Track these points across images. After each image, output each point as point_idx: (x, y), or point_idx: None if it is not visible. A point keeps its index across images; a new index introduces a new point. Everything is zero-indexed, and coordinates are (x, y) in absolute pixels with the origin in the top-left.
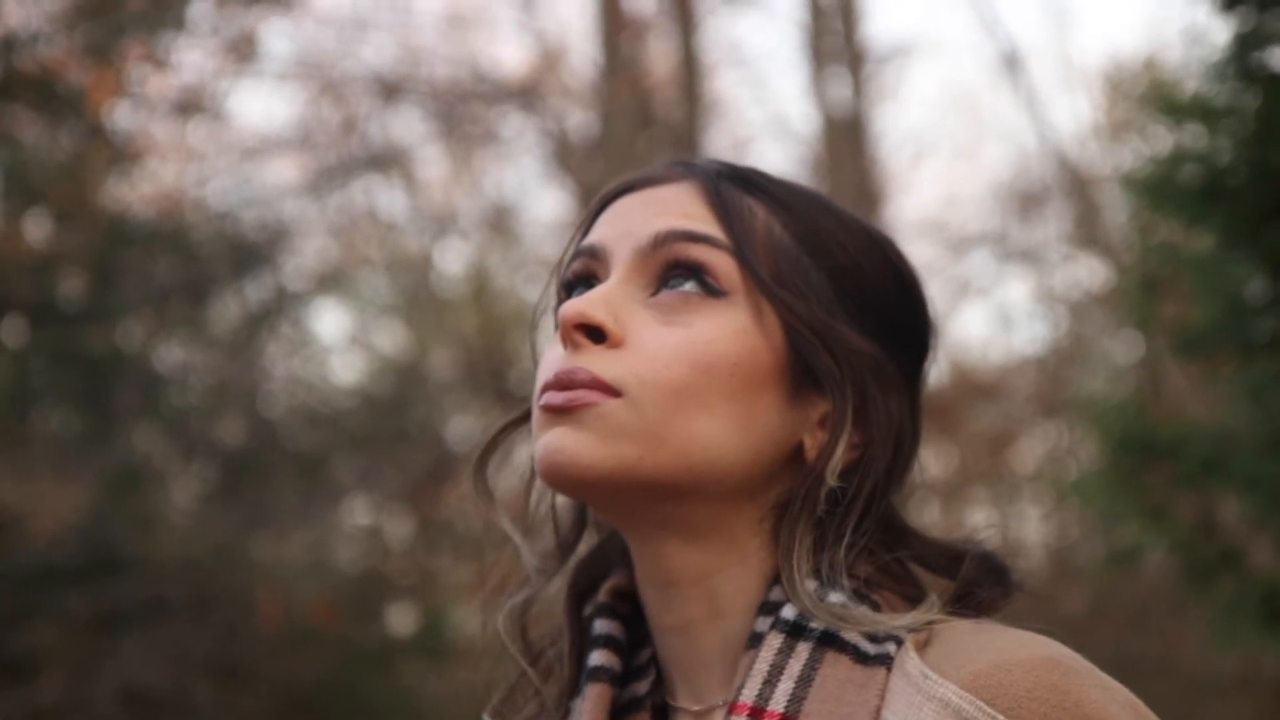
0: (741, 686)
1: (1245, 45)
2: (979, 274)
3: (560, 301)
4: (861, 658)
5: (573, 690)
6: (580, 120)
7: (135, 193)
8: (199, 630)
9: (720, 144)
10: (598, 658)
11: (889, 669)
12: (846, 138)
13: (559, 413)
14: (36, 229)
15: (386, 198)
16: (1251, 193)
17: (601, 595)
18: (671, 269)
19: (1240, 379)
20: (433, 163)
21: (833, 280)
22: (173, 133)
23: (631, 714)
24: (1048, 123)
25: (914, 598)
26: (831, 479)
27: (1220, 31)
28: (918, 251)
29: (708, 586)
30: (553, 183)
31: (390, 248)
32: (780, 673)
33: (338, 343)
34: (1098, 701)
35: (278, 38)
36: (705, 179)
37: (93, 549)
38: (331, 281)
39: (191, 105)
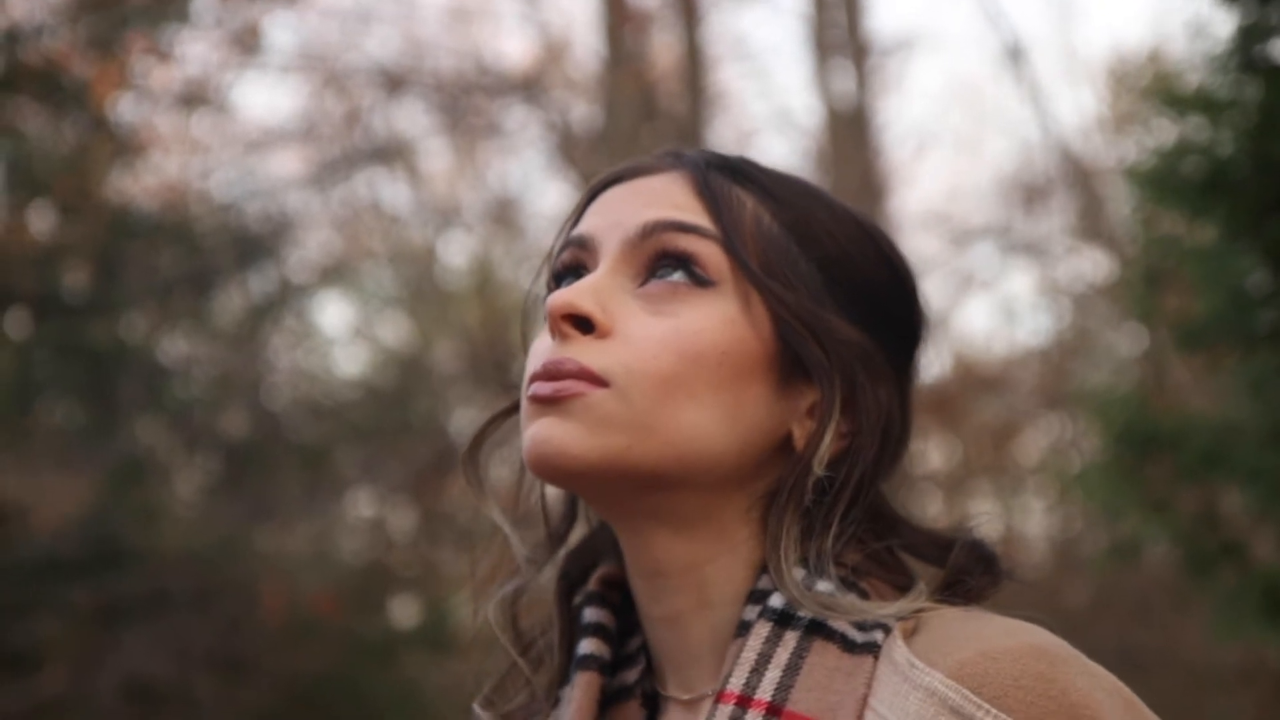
0: (729, 675)
1: (1248, 38)
2: (982, 266)
3: (550, 292)
4: (849, 646)
5: (563, 679)
6: (584, 113)
7: (139, 185)
8: (202, 623)
9: (724, 137)
10: (587, 646)
11: (876, 657)
12: (850, 130)
13: (547, 403)
14: (40, 221)
15: (390, 190)
16: (1254, 185)
17: (591, 584)
18: (660, 259)
19: (1242, 371)
20: (436, 155)
21: (822, 270)
22: (176, 125)
23: (621, 702)
24: (1051, 115)
25: (903, 586)
26: (819, 468)
27: (1223, 24)
28: (921, 244)
29: (696, 577)
30: (556, 175)
31: (394, 240)
32: (768, 661)
33: (341, 335)
34: (1084, 689)
35: (281, 30)
36: (694, 169)
37: (96, 541)
38: (335, 274)
39: (195, 97)
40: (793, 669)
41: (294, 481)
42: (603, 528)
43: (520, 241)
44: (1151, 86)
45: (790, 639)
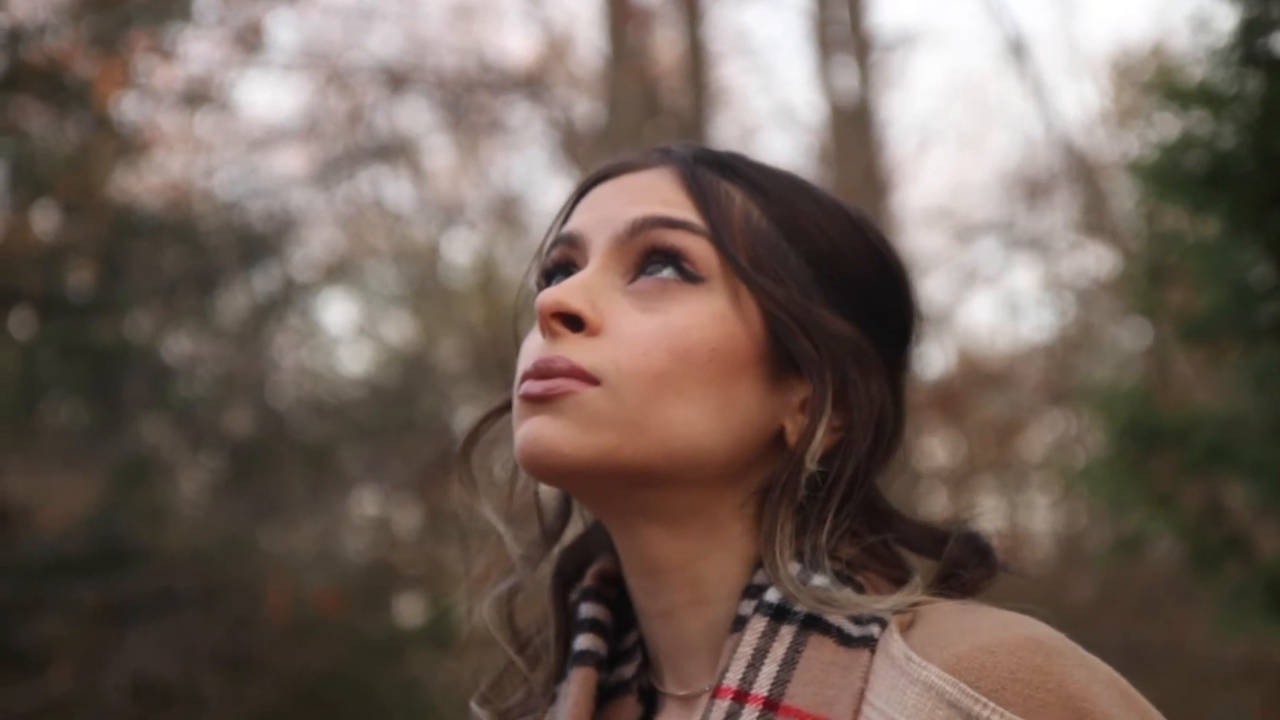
0: (725, 670)
1: (1250, 32)
2: (986, 262)
3: (540, 290)
4: (845, 640)
5: (559, 675)
6: (587, 109)
7: (142, 184)
8: (208, 621)
9: (727, 133)
10: (583, 642)
11: (873, 651)
12: (853, 126)
13: (538, 402)
14: (44, 220)
15: (393, 188)
16: (1256, 179)
17: (587, 580)
18: (649, 256)
19: (1245, 365)
20: (439, 153)
21: (812, 264)
22: (180, 124)
23: (618, 698)
24: (1054, 110)
25: (899, 579)
26: (811, 463)
27: (1225, 18)
28: (925, 240)
29: (691, 573)
30: (560, 172)
31: (397, 238)
32: (764, 656)
33: (345, 333)
34: (1081, 681)
35: (284, 28)
36: (682, 165)
37: (101, 540)
38: (339, 272)
39: (198, 96)
40: (789, 663)
41: (299, 480)
42: (598, 524)
43: (524, 239)
44: (1154, 81)
45: (786, 633)
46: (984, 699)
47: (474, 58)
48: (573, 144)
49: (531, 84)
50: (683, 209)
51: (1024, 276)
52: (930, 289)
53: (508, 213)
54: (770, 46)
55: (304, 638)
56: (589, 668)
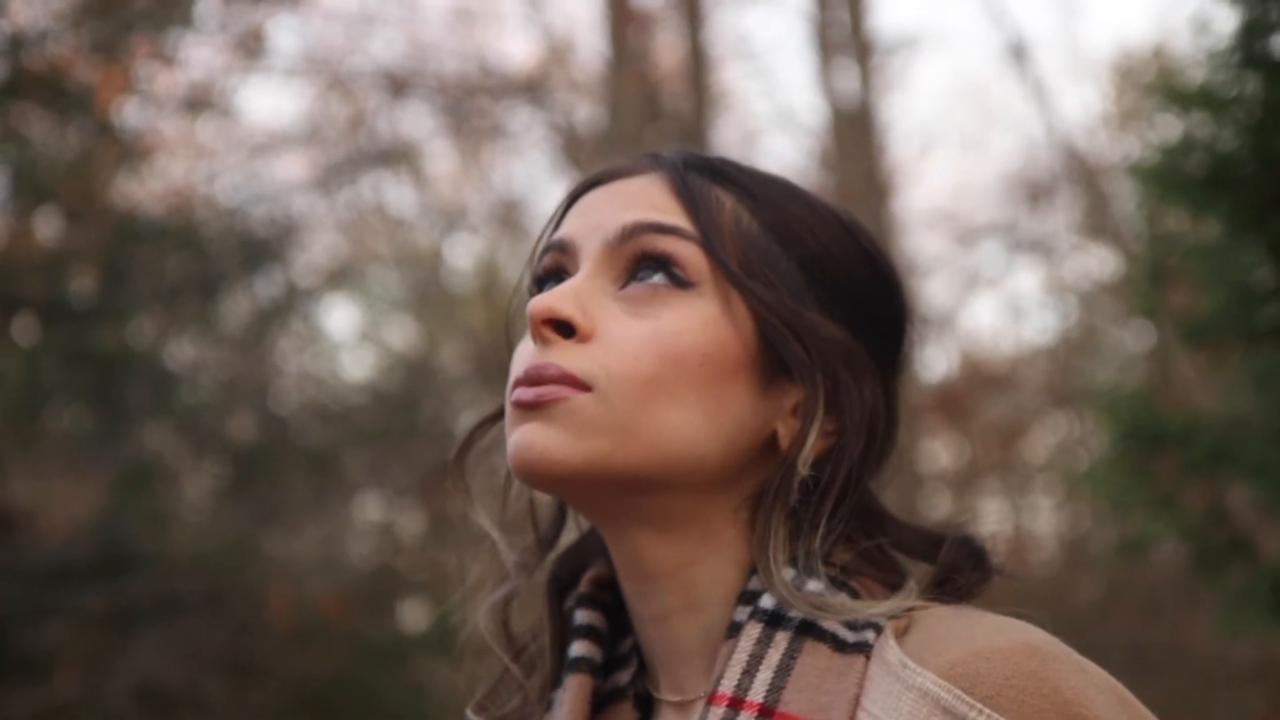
0: (720, 677)
1: (1250, 34)
2: (989, 264)
3: (532, 297)
4: (840, 646)
5: (555, 682)
6: (588, 114)
7: (144, 190)
8: (211, 626)
9: (728, 137)
10: (578, 648)
11: (868, 657)
12: (854, 129)
13: (529, 408)
14: (46, 227)
15: (395, 193)
16: (1257, 181)
17: (582, 586)
18: (640, 261)
19: (1246, 367)
20: (441, 157)
21: (803, 268)
22: (181, 129)
23: (614, 704)
24: (1055, 113)
25: (894, 584)
26: (803, 467)
27: (1226, 20)
28: (927, 243)
29: (685, 578)
30: (561, 177)
31: (400, 243)
32: (759, 663)
33: (348, 339)
34: (1076, 686)
35: (285, 34)
36: (672, 170)
37: (105, 546)
38: (341, 277)
39: (200, 102)
40: (784, 670)
41: (302, 485)
42: (593, 530)
43: (526, 243)
44: (1155, 83)
45: (781, 640)
46: (979, 705)
47: (475, 63)
48: (574, 148)
49: (532, 89)
50: (673, 214)
51: (1026, 279)
52: (933, 292)
53: (509, 217)
54: (771, 50)
55: (308, 643)
56: (584, 674)
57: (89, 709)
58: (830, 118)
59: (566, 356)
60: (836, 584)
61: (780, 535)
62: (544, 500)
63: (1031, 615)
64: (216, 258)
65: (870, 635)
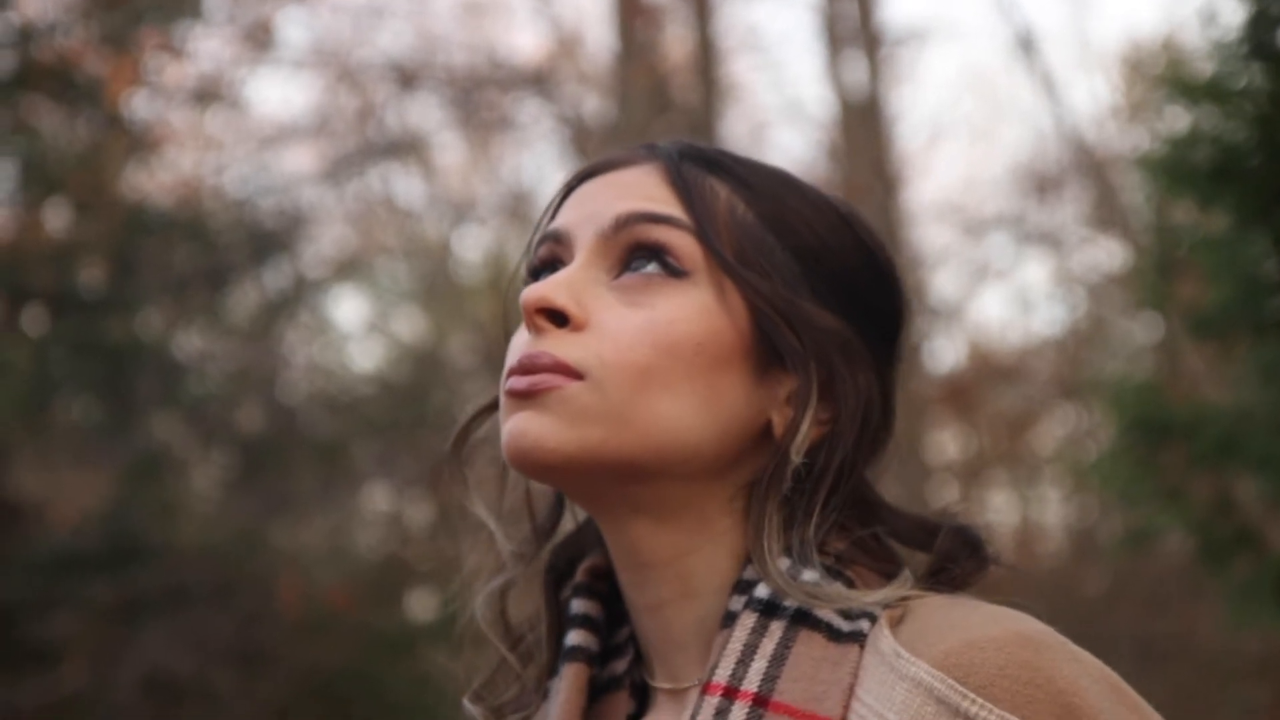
0: (715, 666)
1: (1258, 26)
2: (998, 256)
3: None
4: (835, 635)
5: (552, 671)
6: (596, 106)
7: (153, 181)
8: (220, 617)
9: (736, 129)
10: (574, 638)
11: (862, 646)
12: (863, 121)
13: (523, 397)
14: (56, 218)
15: (404, 185)
16: (1264, 173)
17: (578, 575)
18: (634, 251)
19: (1253, 359)
20: (450, 149)
21: (798, 258)
22: (190, 121)
23: (610, 693)
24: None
25: (889, 573)
26: (796, 455)
27: (1234, 12)
28: (935, 235)
29: (680, 567)
30: (569, 169)
31: (408, 235)
32: (754, 652)
33: (356, 330)
34: (1070, 676)
35: (294, 25)
36: (667, 160)
37: (114, 537)
38: (350, 268)
39: (209, 94)
40: (779, 659)
41: (310, 476)
42: (590, 520)
43: None
44: (1163, 75)
45: (776, 629)
46: (973, 695)
47: (483, 54)
48: (582, 141)
49: (541, 81)
50: (667, 204)
51: (1035, 271)
52: (941, 283)
53: (518, 209)
54: (780, 42)
55: (316, 633)
56: (580, 663)
57: (97, 699)
58: (839, 110)
59: (560, 345)
60: (832, 573)
61: (775, 524)
62: (541, 490)
63: (1027, 605)
64: (225, 249)
65: (865, 624)
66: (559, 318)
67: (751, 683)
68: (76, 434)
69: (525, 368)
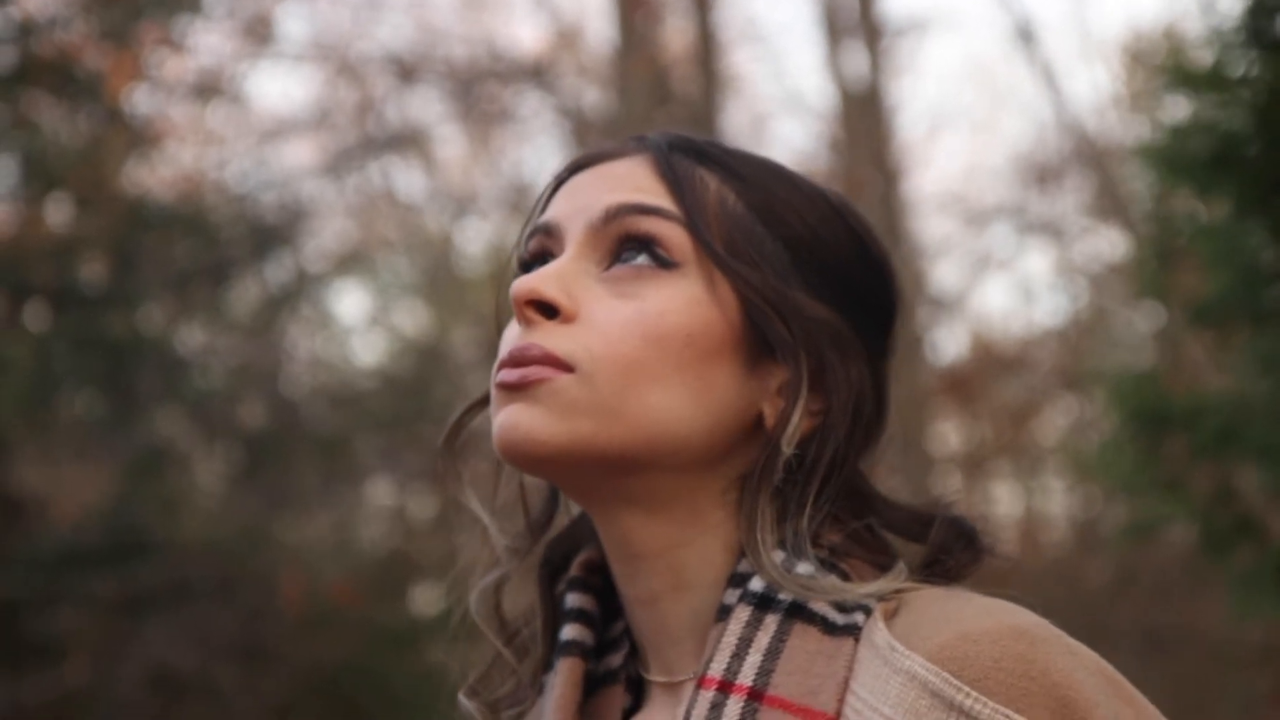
0: (710, 660)
1: (1257, 14)
2: (999, 246)
3: None
4: (829, 628)
5: (547, 666)
6: (597, 98)
7: (154, 176)
8: (223, 612)
9: (737, 120)
10: (569, 632)
11: (857, 639)
12: (863, 112)
13: (513, 390)
14: (56, 214)
15: (405, 178)
16: (1263, 162)
17: (573, 569)
18: (624, 243)
19: (1251, 348)
20: (450, 142)
21: (789, 249)
22: (191, 116)
23: (606, 687)
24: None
25: (884, 565)
26: (787, 447)
27: (1234, 1)
28: (937, 225)
29: (672, 559)
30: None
31: (409, 228)
32: (748, 645)
33: (358, 324)
34: (1065, 669)
35: (293, 19)
36: (657, 152)
37: (116, 532)
38: (351, 262)
39: (209, 88)
40: (773, 653)
41: (313, 471)
42: (584, 515)
43: None
44: (1164, 64)
45: (771, 622)
46: (966, 688)
47: (484, 47)
48: (583, 133)
49: (541, 73)
50: (657, 196)
51: (1037, 261)
52: (943, 274)
53: (519, 202)
54: (780, 33)
55: (319, 628)
56: (575, 658)
57: (100, 695)
58: (839, 101)
59: (549, 337)
60: (826, 566)
61: (768, 516)
62: (535, 484)
63: (1021, 597)
64: (226, 244)
65: (860, 617)
66: (549, 310)
67: (746, 676)
68: (79, 429)
69: (515, 360)
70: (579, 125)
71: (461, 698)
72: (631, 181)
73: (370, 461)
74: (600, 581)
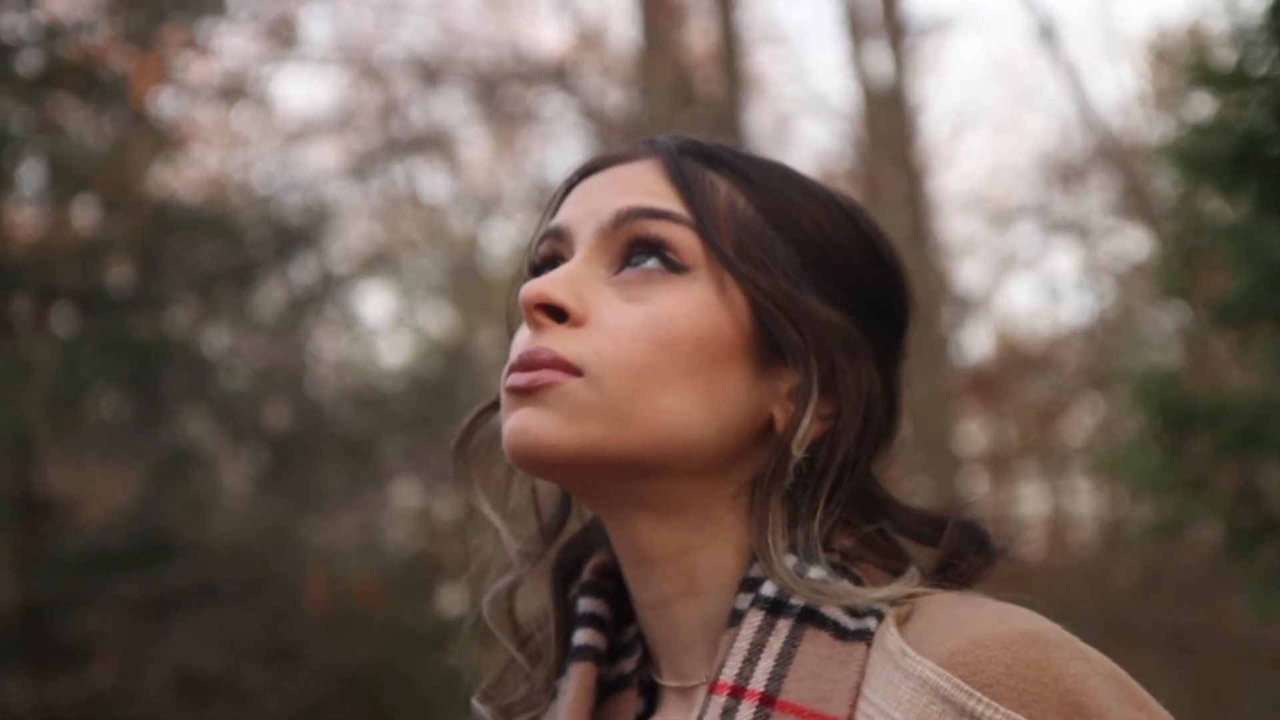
0: (722, 665)
1: (1279, 13)
2: (1025, 246)
3: None
4: (841, 633)
5: (560, 670)
6: (620, 99)
7: (180, 178)
8: (249, 614)
9: (761, 121)
10: (581, 636)
11: (869, 645)
12: (887, 112)
13: (523, 394)
14: (83, 217)
15: (429, 179)
16: None
17: (585, 574)
18: (634, 247)
19: (1274, 347)
20: (474, 144)
21: (800, 252)
22: (216, 118)
23: (619, 691)
24: (1086, 93)
25: (896, 569)
26: (798, 451)
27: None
28: (962, 225)
29: (684, 564)
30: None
31: (434, 229)
32: (760, 651)
33: (384, 325)
34: (1077, 674)
35: (317, 22)
36: (667, 155)
37: (142, 534)
38: (376, 264)
39: (234, 90)
40: (785, 658)
41: (338, 472)
42: (597, 518)
43: None
44: (1187, 62)
45: (783, 627)
46: (978, 694)
47: (507, 49)
48: (607, 134)
49: (564, 74)
50: (667, 199)
51: (1063, 260)
52: (968, 274)
53: (543, 203)
54: (803, 34)
55: (345, 630)
56: (588, 662)
57: (127, 696)
58: (863, 101)
59: (559, 341)
60: (838, 570)
61: (779, 520)
62: (547, 489)
63: (1034, 602)
64: (251, 246)
65: (872, 622)
66: (558, 313)
67: (758, 682)
68: (105, 432)
69: (525, 364)
70: (602, 126)
71: (475, 703)
72: (641, 185)
73: (395, 463)
74: (613, 586)
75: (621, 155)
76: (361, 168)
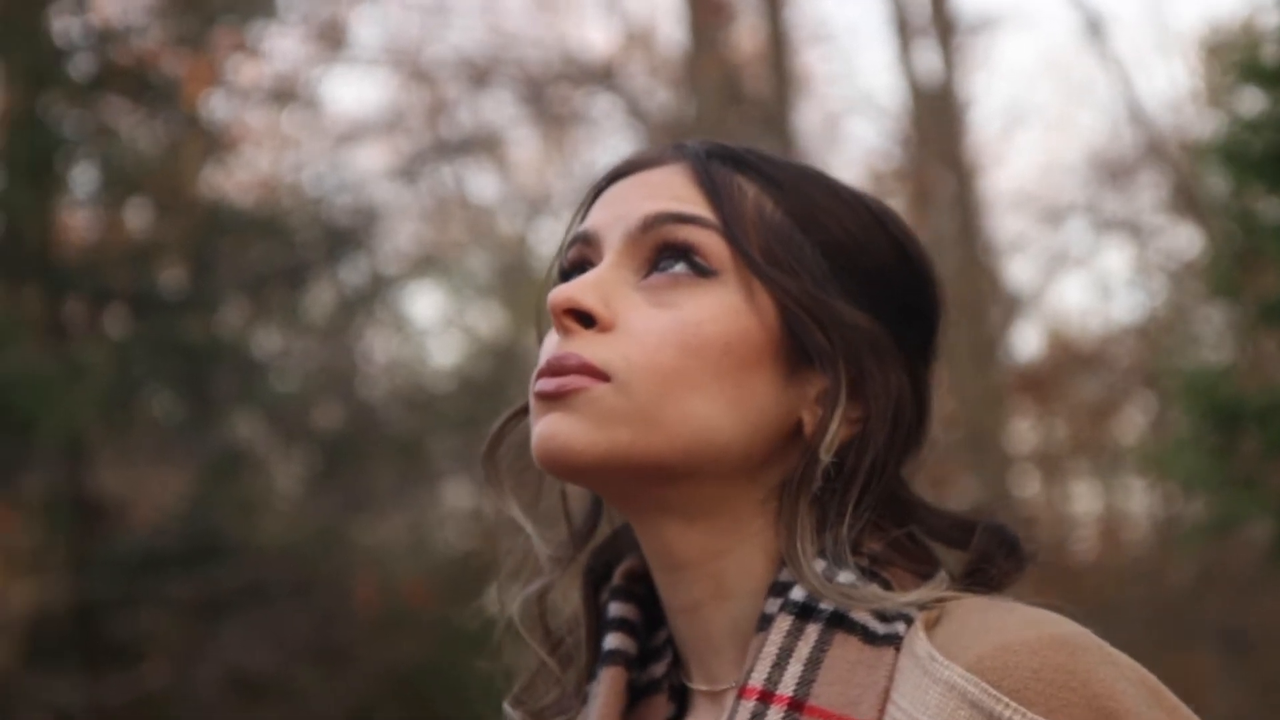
0: (751, 670)
1: None
2: (1076, 244)
3: None
4: (870, 638)
5: (591, 675)
6: (668, 100)
7: (231, 181)
8: (300, 614)
9: (809, 120)
10: (612, 641)
11: (898, 649)
12: (936, 110)
13: (551, 399)
14: (135, 219)
15: (478, 180)
16: None
17: (616, 578)
18: (661, 251)
19: None
20: (523, 144)
21: (828, 256)
22: (267, 120)
23: (650, 696)
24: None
25: (925, 573)
26: (826, 455)
27: None
28: (1012, 223)
29: (713, 568)
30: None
31: (483, 229)
32: (789, 655)
33: (434, 325)
34: (1106, 679)
35: (367, 24)
36: (695, 160)
37: (194, 535)
38: (426, 265)
39: (284, 93)
40: (814, 663)
41: (389, 472)
42: (627, 523)
43: None
44: (1238, 59)
45: (812, 632)
46: (1006, 699)
47: (555, 50)
48: (655, 134)
49: (612, 75)
50: (694, 204)
51: (1115, 258)
52: (1019, 272)
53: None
54: (851, 32)
55: (396, 630)
56: (618, 667)
57: (178, 696)
58: (912, 99)
59: (587, 347)
60: (867, 574)
61: (808, 524)
62: (578, 493)
63: (1064, 606)
64: (302, 247)
65: (901, 627)
66: (586, 319)
67: (787, 686)
68: (157, 433)
69: (553, 369)
70: (650, 126)
71: (506, 707)
72: (669, 190)
73: (446, 463)
74: (643, 590)
75: (649, 160)
76: (411, 169)
